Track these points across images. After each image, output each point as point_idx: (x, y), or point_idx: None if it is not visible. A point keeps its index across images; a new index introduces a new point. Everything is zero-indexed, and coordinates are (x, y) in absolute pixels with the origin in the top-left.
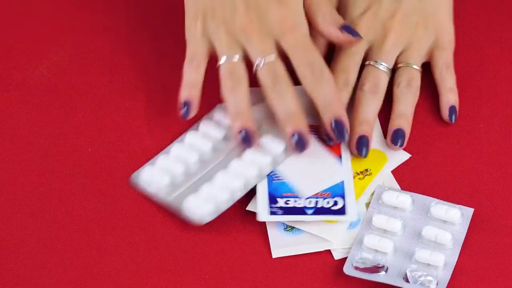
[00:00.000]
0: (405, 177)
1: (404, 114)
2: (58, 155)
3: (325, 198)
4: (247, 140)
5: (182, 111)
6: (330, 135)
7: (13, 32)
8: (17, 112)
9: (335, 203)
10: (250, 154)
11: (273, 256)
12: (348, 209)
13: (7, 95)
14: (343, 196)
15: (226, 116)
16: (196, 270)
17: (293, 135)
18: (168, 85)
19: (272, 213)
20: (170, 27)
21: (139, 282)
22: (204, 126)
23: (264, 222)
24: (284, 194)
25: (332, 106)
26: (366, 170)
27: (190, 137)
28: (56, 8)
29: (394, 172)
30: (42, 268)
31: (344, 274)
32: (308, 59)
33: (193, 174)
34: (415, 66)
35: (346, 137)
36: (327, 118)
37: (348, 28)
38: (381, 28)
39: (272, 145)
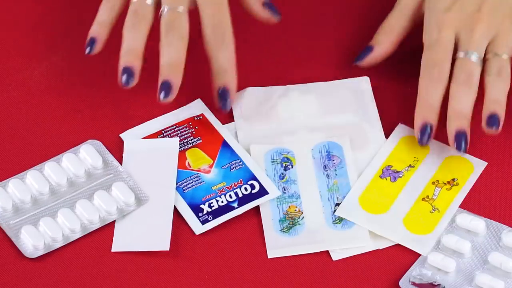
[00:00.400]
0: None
1: (498, 101)
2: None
3: (240, 187)
4: (128, 77)
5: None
6: (215, 101)
7: (13, 32)
8: (17, 112)
9: (252, 187)
10: (99, 198)
11: (269, 257)
12: (267, 187)
13: (7, 95)
14: (255, 178)
15: (89, 154)
16: (196, 270)
17: (162, 83)
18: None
19: (204, 222)
20: None
21: (139, 282)
22: (67, 159)
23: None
24: (203, 199)
25: (225, 74)
26: (453, 180)
27: (49, 167)
28: (55, 8)
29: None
30: (42, 268)
31: (343, 274)
32: (215, 20)
33: (38, 205)
34: (504, 56)
35: (228, 107)
36: (216, 84)
37: (270, 6)
38: (469, 20)
39: (122, 194)
